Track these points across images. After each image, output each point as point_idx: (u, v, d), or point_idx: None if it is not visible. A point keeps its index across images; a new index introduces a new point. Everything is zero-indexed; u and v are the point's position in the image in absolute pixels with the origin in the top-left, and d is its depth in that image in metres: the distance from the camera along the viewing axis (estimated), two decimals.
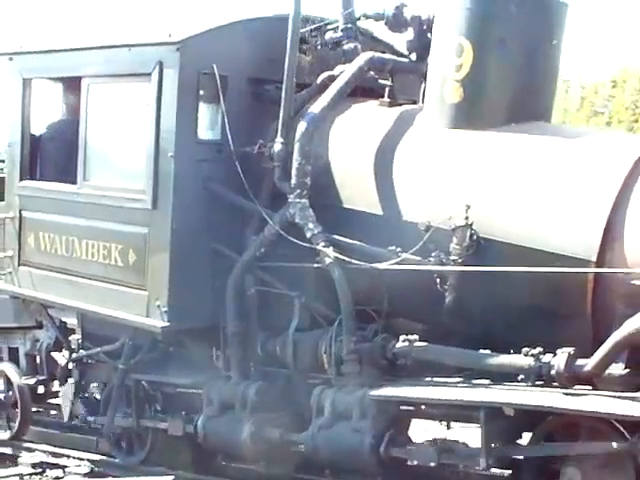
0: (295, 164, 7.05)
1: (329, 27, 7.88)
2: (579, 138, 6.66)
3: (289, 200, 7.08)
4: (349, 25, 7.76)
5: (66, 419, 8.59)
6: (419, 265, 6.56)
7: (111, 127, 7.82)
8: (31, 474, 8.36)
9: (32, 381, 8.99)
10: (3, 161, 8.88)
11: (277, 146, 7.16)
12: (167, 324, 7.33)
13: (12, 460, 8.79)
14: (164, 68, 7.27)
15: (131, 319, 7.56)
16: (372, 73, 7.65)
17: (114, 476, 8.19)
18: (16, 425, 8.94)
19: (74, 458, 8.63)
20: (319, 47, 7.83)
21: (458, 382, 6.46)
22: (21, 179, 8.39)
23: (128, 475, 8.09)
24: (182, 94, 7.26)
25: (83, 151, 7.86)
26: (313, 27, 7.87)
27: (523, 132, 6.73)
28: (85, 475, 8.29)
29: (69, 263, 8.01)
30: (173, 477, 6.95)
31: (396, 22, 7.64)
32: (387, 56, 7.58)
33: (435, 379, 6.60)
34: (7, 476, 8.41)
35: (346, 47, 7.73)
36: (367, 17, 7.85)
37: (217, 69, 7.28)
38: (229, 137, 7.30)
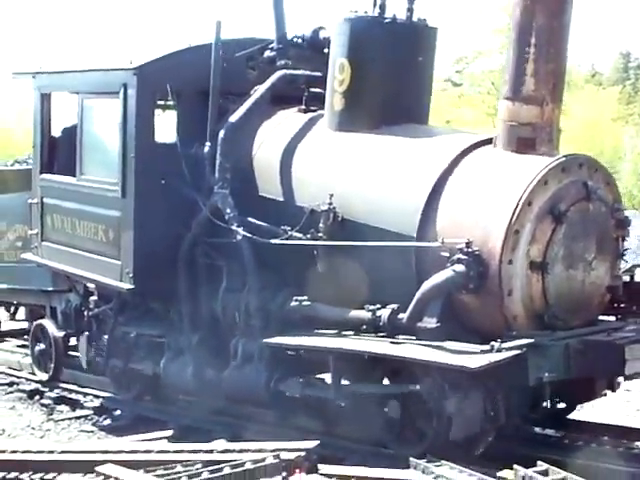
0: (217, 162, 8.93)
1: (270, 47, 9.71)
2: (424, 138, 8.30)
3: (214, 190, 8.99)
4: (281, 45, 9.56)
5: (84, 366, 10.76)
6: (299, 241, 8.37)
7: (97, 133, 9.92)
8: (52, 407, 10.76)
9: (62, 334, 11.20)
10: None
11: (206, 148, 9.06)
12: (132, 286, 9.37)
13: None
14: (127, 88, 9.26)
15: (110, 283, 9.64)
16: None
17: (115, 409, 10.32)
18: (52, 368, 11.22)
19: (89, 395, 10.92)
20: (261, 64, 9.68)
21: (327, 334, 8.19)
22: (41, 172, 10.59)
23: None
24: (140, 108, 9.23)
25: (80, 151, 9.96)
26: (258, 47, 9.73)
27: (388, 133, 8.40)
28: (94, 408, 10.51)
29: (73, 239, 10.14)
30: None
31: (313, 43, 9.42)
32: (299, 72, 9.30)
33: (318, 332, 8.36)
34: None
35: (278, 64, 9.53)
36: (297, 38, 9.63)
37: (170, 87, 9.25)
38: (178, 141, 9.29)
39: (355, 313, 8.02)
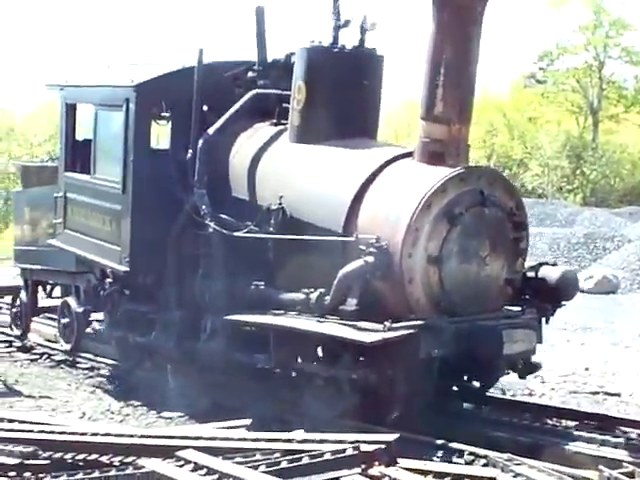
0: (197, 167, 10.58)
1: (253, 68, 11.32)
2: (359, 150, 9.80)
3: (194, 190, 10.63)
4: (261, 67, 11.16)
5: (98, 337, 12.58)
6: (254, 234, 9.95)
7: (107, 138, 11.67)
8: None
9: (82, 309, 12.95)
10: None
11: (188, 155, 10.72)
12: (128, 269, 11.10)
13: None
14: (129, 103, 10.99)
15: (112, 265, 11.40)
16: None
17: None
18: (74, 340, 13.01)
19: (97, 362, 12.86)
20: (245, 83, 11.28)
21: (273, 313, 9.69)
22: (65, 170, 12.43)
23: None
24: (139, 120, 10.94)
25: (94, 153, 11.75)
26: (243, 68, 11.35)
27: (332, 146, 9.93)
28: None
29: (87, 228, 11.93)
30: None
31: (286, 65, 10.99)
32: (270, 91, 10.89)
33: (269, 311, 9.88)
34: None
35: (259, 83, 11.12)
36: (275, 61, 11.22)
37: (165, 102, 10.95)
38: (170, 147, 10.99)
39: (295, 296, 9.56)
